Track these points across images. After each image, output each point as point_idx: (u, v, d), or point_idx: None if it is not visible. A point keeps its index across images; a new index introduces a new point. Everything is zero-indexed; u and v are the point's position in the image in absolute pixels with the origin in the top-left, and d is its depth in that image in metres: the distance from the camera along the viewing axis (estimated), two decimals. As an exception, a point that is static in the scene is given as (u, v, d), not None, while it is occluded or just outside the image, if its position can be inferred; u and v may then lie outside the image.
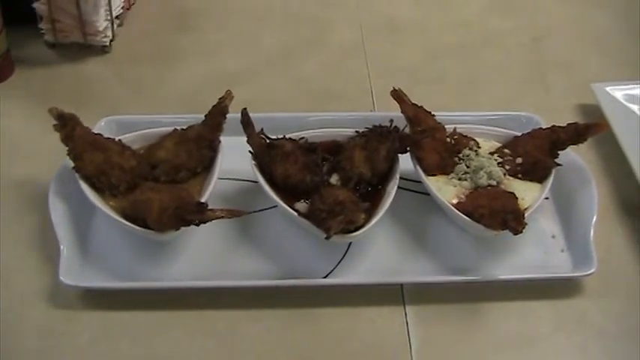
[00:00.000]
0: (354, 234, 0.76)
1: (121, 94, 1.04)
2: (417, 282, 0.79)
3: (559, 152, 0.84)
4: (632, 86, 1.00)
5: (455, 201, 0.81)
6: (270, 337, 0.75)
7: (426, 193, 0.83)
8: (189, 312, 0.77)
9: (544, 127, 0.88)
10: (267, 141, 0.83)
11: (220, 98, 0.85)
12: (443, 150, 0.84)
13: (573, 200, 0.85)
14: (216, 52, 1.12)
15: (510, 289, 0.79)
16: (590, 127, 0.84)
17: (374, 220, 0.77)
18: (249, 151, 0.84)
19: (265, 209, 0.85)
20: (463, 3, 1.25)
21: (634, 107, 0.98)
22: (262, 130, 0.84)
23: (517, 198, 0.79)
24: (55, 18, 1.06)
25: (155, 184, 0.81)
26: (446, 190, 0.82)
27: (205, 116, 0.85)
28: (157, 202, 0.75)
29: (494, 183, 0.82)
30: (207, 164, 0.84)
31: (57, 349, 0.73)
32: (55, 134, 0.82)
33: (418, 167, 0.83)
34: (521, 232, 0.74)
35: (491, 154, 0.85)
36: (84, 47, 1.09)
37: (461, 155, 0.84)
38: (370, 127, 0.84)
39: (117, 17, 1.13)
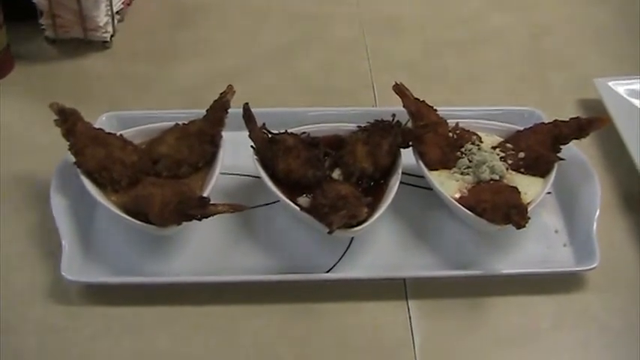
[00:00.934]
0: (357, 229, 0.76)
1: (122, 90, 1.04)
2: (420, 277, 0.79)
3: (561, 147, 0.84)
4: (634, 81, 1.00)
5: (457, 195, 0.81)
6: (272, 332, 0.75)
7: (429, 188, 0.83)
8: (191, 307, 0.76)
9: (546, 121, 0.88)
10: (269, 136, 0.83)
11: (222, 93, 0.85)
12: (445, 145, 0.84)
13: (576, 195, 0.85)
14: (218, 48, 1.12)
15: (513, 284, 0.79)
16: (593, 121, 0.84)
17: (376, 215, 0.77)
18: (251, 146, 0.83)
19: (267, 204, 0.84)
20: (463, -2, 1.25)
21: (636, 102, 0.98)
22: (264, 124, 0.84)
23: (520, 192, 0.79)
24: (55, 13, 1.06)
25: (157, 179, 0.80)
26: (448, 184, 0.82)
27: (207, 111, 0.85)
28: (158, 197, 0.75)
29: (497, 177, 0.82)
30: (208, 159, 0.84)
31: (58, 344, 0.73)
32: (55, 130, 0.82)
33: (420, 162, 0.83)
34: (525, 226, 0.73)
35: (494, 148, 0.85)
36: (84, 43, 1.09)
37: (463, 150, 0.84)
38: (372, 121, 0.84)
39: (117, 13, 1.13)
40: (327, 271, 0.79)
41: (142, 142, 0.85)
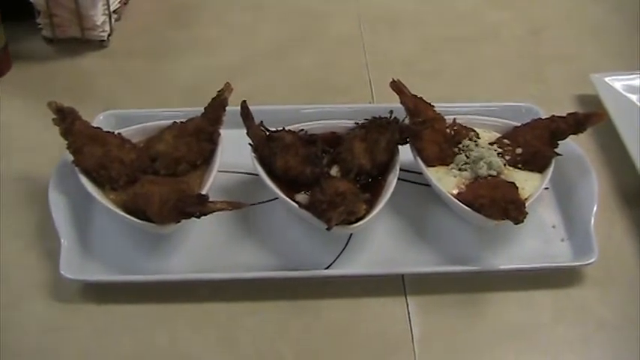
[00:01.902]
0: (355, 225, 0.76)
1: (120, 88, 1.04)
2: (418, 272, 0.79)
3: (559, 142, 0.84)
4: (631, 76, 1.01)
5: (455, 191, 0.81)
6: (272, 328, 0.75)
7: (427, 184, 0.83)
8: (190, 304, 0.77)
9: (543, 117, 0.88)
10: (267, 133, 0.83)
11: (219, 91, 0.85)
12: (443, 141, 0.84)
13: (573, 190, 0.86)
14: (215, 45, 1.12)
15: (511, 279, 0.79)
16: (590, 116, 0.84)
17: (375, 211, 0.77)
18: (249, 144, 0.83)
19: (266, 201, 0.85)
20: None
21: (633, 97, 0.98)
22: (262, 122, 0.84)
23: (517, 188, 0.79)
24: (52, 13, 1.06)
25: (155, 177, 0.81)
26: (446, 180, 0.82)
27: (205, 109, 0.85)
28: (157, 195, 0.75)
29: (495, 173, 0.82)
30: (207, 157, 0.84)
31: (58, 343, 0.73)
32: (53, 128, 0.82)
33: (418, 158, 0.83)
34: (523, 221, 0.74)
35: (491, 144, 0.85)
36: (82, 42, 1.09)
37: (461, 146, 0.84)
38: (370, 118, 0.84)
39: (114, 11, 1.13)
40: (326, 268, 0.79)
41: (140, 141, 0.85)
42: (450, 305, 0.77)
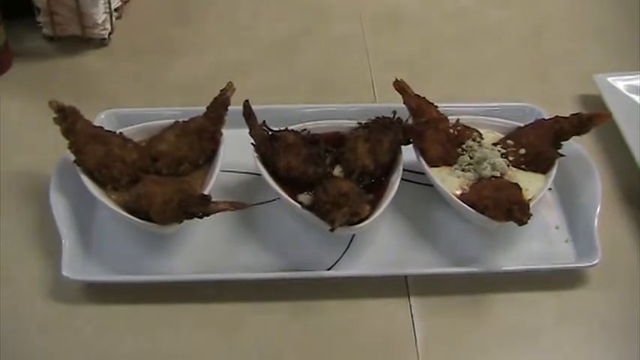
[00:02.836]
0: (358, 226, 0.75)
1: (121, 87, 1.03)
2: (422, 273, 0.79)
3: (562, 143, 0.84)
4: (635, 76, 1.00)
5: (458, 192, 0.80)
6: (274, 329, 0.75)
7: (430, 185, 0.83)
8: (192, 305, 0.76)
9: (547, 117, 0.87)
10: (270, 133, 0.83)
11: (222, 90, 0.85)
12: (446, 141, 0.84)
13: (577, 191, 0.85)
14: (216, 44, 1.12)
15: (514, 280, 0.79)
16: (594, 117, 0.84)
17: (378, 212, 0.77)
18: (252, 144, 0.83)
19: (268, 201, 0.84)
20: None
21: (636, 97, 0.98)
22: (264, 122, 0.84)
23: (521, 189, 0.79)
24: (53, 11, 1.05)
25: (157, 177, 0.80)
26: (449, 181, 0.81)
27: (207, 108, 0.85)
28: (159, 195, 0.75)
29: (498, 174, 0.81)
30: (209, 157, 0.83)
31: (59, 343, 0.73)
32: (54, 127, 0.81)
33: (421, 158, 0.83)
34: (527, 222, 0.74)
35: (495, 145, 0.85)
36: (83, 40, 1.09)
37: (464, 146, 0.84)
38: (373, 118, 0.84)
39: (115, 10, 1.12)
40: (329, 269, 0.79)
41: (142, 140, 0.85)
42: (453, 306, 0.77)
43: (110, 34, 1.10)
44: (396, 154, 0.83)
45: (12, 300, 0.76)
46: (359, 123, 0.85)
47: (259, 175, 0.81)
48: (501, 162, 0.82)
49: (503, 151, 0.84)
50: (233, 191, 0.85)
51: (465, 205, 0.78)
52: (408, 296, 0.78)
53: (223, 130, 0.84)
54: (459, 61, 1.10)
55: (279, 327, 0.75)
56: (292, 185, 0.80)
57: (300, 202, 0.78)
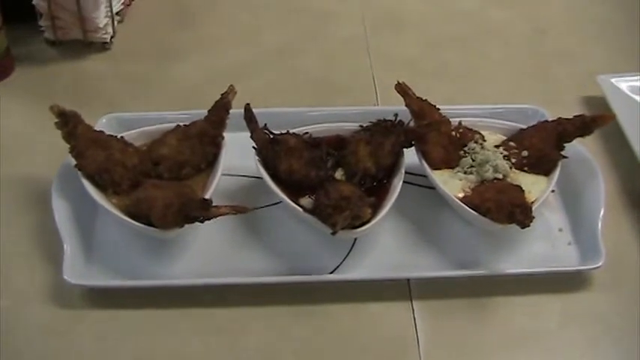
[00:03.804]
0: (360, 229, 0.75)
1: (122, 91, 1.03)
2: (424, 277, 0.79)
3: (565, 145, 0.84)
4: (638, 78, 1.00)
5: (461, 195, 0.80)
6: (276, 333, 0.74)
7: (432, 188, 0.83)
8: (194, 309, 0.76)
9: (549, 119, 0.87)
10: (271, 136, 0.83)
11: (223, 94, 0.84)
12: (448, 144, 0.84)
13: (580, 193, 0.85)
14: (218, 48, 1.12)
15: (517, 283, 0.78)
16: (597, 118, 0.83)
17: (380, 215, 0.76)
18: (253, 147, 0.83)
19: (270, 205, 0.84)
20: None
21: (639, 99, 0.97)
22: (266, 125, 0.84)
23: (524, 191, 0.79)
24: (54, 15, 1.06)
25: (158, 182, 0.80)
26: (452, 183, 0.81)
27: (208, 112, 0.84)
28: (160, 199, 0.75)
29: (501, 176, 0.81)
30: (210, 160, 0.83)
31: (61, 348, 0.73)
32: (55, 132, 0.81)
33: (423, 161, 0.83)
34: (529, 225, 0.73)
35: (497, 147, 0.85)
36: (84, 44, 1.09)
37: (466, 149, 0.84)
38: (374, 121, 0.84)
39: (117, 13, 1.12)
40: (331, 272, 0.78)
41: (143, 144, 0.85)
42: (455, 310, 0.77)
43: (112, 38, 1.10)
44: (397, 156, 0.82)
45: (13, 305, 0.76)
46: (360, 126, 0.85)
47: (261, 178, 0.81)
48: (504, 164, 0.82)
49: (506, 153, 0.84)
50: (234, 195, 0.85)
51: (468, 208, 0.78)
52: (410, 299, 0.77)
53: (225, 134, 0.84)
54: (461, 63, 1.10)
55: (281, 331, 0.75)
56: (294, 189, 0.80)
57: (301, 206, 0.78)
